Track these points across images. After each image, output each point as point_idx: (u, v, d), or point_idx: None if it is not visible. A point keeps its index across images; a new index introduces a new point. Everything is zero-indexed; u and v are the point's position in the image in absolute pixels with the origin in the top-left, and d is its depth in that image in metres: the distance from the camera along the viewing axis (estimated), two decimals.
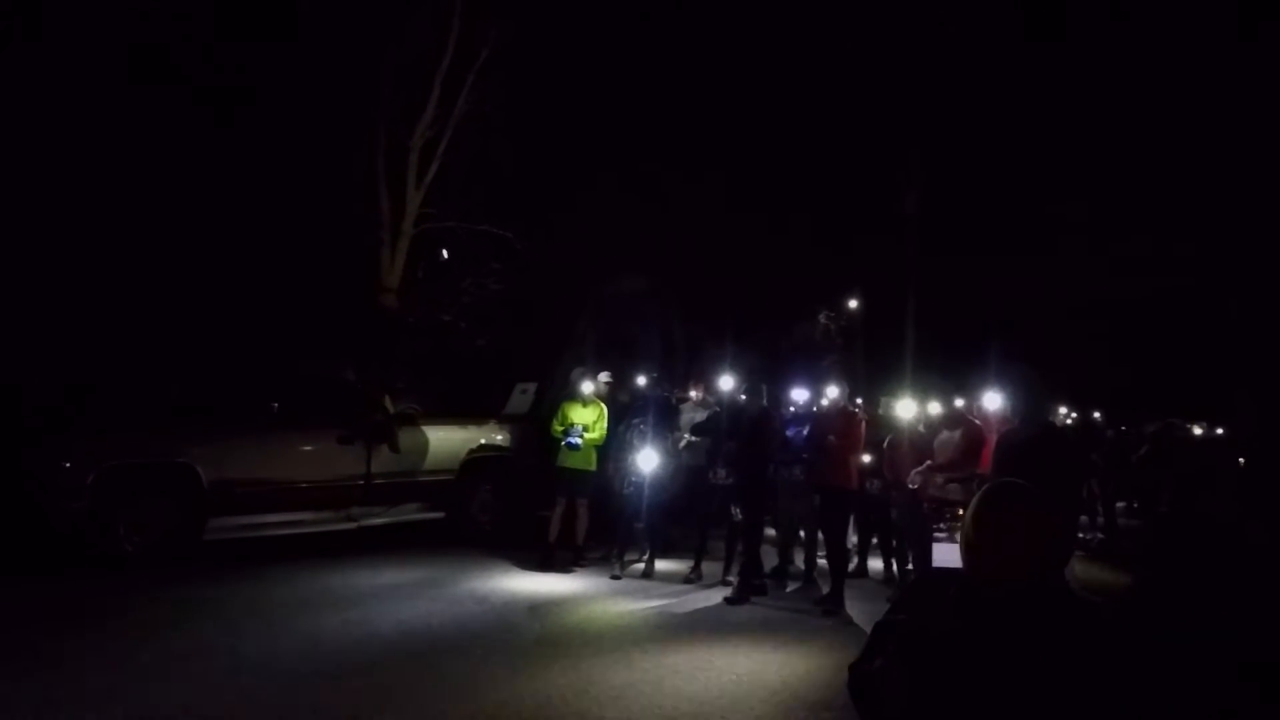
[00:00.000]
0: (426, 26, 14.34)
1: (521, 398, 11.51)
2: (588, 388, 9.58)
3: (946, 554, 4.04)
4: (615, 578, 8.89)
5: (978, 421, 8.49)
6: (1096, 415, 16.08)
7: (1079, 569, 9.87)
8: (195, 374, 10.03)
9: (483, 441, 10.94)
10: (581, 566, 9.28)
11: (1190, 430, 17.12)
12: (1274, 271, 22.67)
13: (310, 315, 13.02)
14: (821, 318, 26.27)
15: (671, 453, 9.52)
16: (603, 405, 9.59)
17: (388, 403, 9.86)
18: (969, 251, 23.97)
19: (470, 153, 15.04)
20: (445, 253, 16.15)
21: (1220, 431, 16.96)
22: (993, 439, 8.23)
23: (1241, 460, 14.90)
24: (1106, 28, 22.56)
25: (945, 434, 8.16)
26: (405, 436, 9.97)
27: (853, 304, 26.08)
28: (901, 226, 23.66)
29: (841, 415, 8.70)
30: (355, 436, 9.56)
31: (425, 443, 10.33)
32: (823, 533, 8.84)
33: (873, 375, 20.04)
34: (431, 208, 15.25)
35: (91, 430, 8.45)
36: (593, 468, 9.50)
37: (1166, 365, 24.20)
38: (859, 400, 10.09)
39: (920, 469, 8.06)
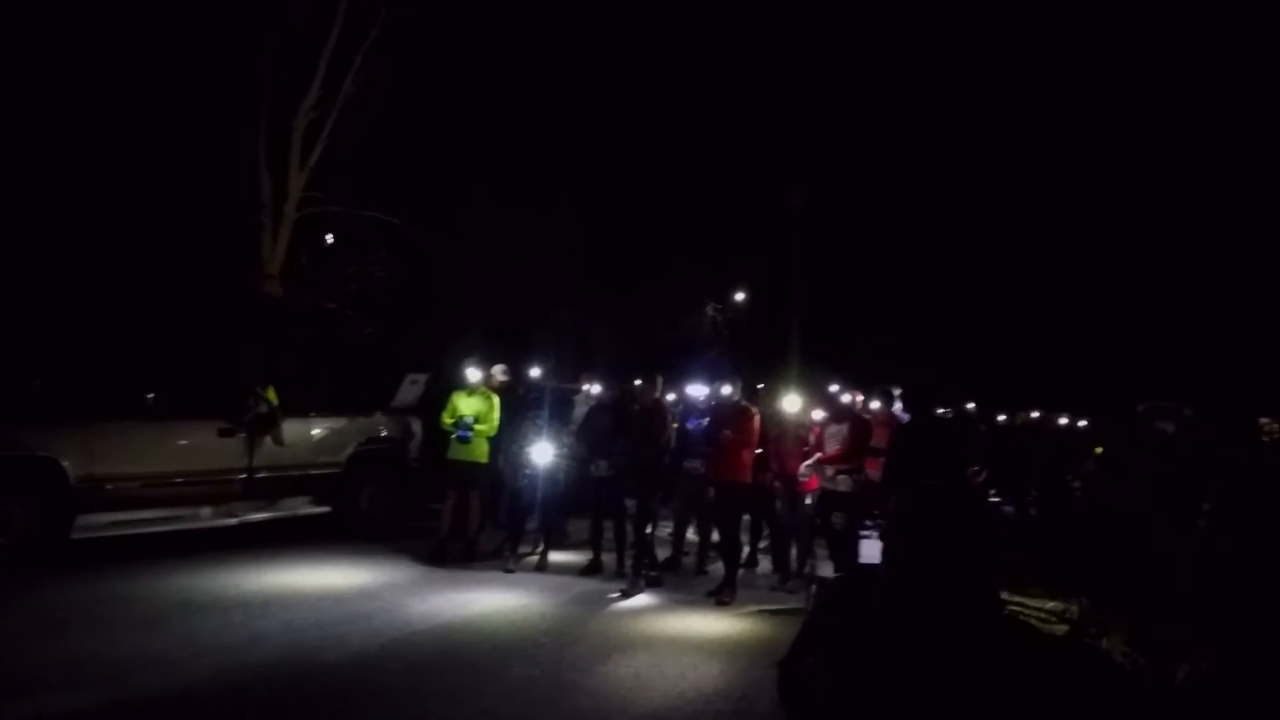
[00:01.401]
0: (313, 1, 13.86)
1: (411, 389, 11.24)
2: (477, 378, 9.43)
3: (872, 551, 4.11)
4: (509, 571, 8.80)
5: (865, 416, 8.79)
6: (971, 407, 16.79)
7: None
8: (61, 362, 9.41)
9: (371, 434, 10.65)
10: (474, 560, 9.16)
11: (1056, 422, 18.05)
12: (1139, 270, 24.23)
13: (188, 300, 12.41)
14: (709, 310, 26.63)
15: (566, 445, 9.50)
16: (493, 396, 9.44)
17: (271, 393, 9.47)
18: (853, 246, 24.65)
19: (356, 136, 14.65)
20: (330, 237, 15.69)
21: (1083, 423, 17.96)
22: (880, 433, 8.54)
23: (1099, 450, 15.75)
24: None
25: (834, 427, 8.44)
26: (290, 429, 9.62)
27: (739, 297, 26.51)
28: (787, 221, 24.18)
29: (737, 411, 8.83)
30: (237, 428, 9.17)
31: (311, 435, 10.00)
32: (717, 525, 8.97)
33: (758, 368, 20.41)
34: (316, 191, 14.79)
35: None
36: (484, 460, 9.36)
37: (1037, 358, 25.51)
38: (754, 393, 10.26)
39: (809, 462, 8.31)
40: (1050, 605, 7.18)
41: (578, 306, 21.34)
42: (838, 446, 8.23)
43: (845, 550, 7.74)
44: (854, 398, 9.98)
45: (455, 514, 9.27)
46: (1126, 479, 10.31)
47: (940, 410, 15.69)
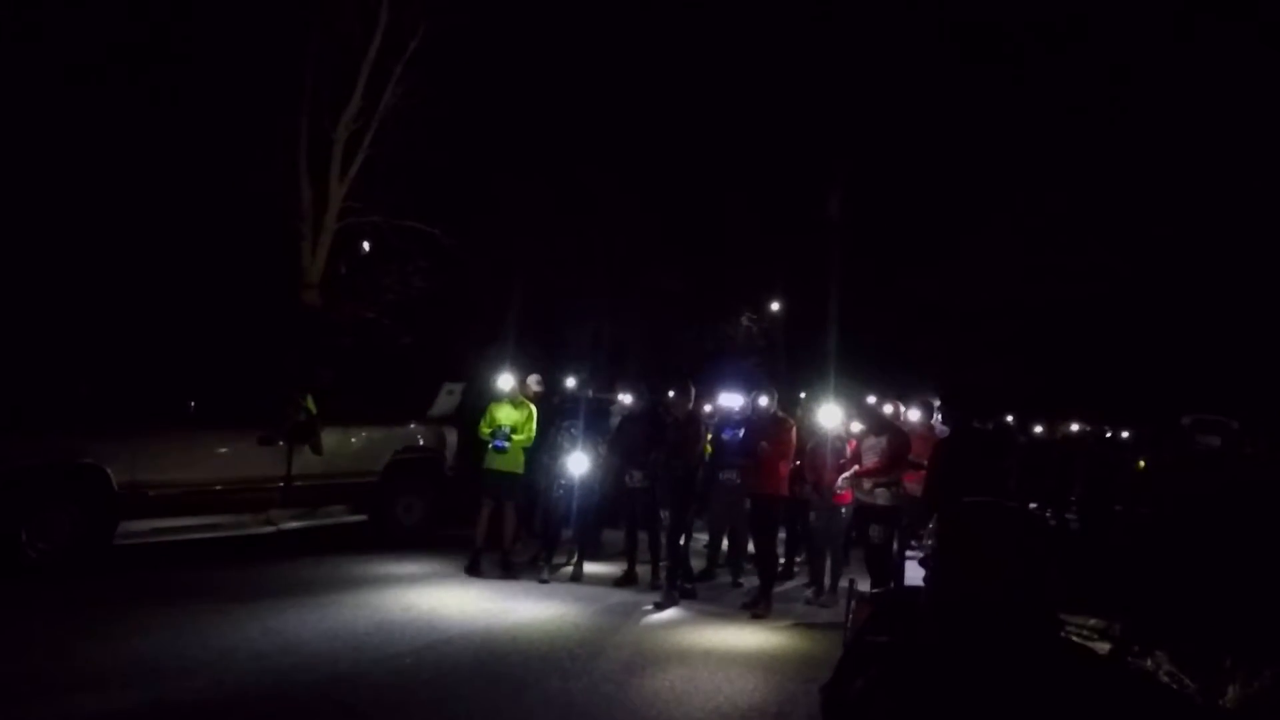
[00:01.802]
0: (353, 14, 14.04)
1: (448, 398, 11.31)
2: (514, 388, 9.42)
3: (918, 573, 4.04)
4: (543, 581, 8.80)
5: (903, 428, 8.69)
6: (1009, 419, 16.61)
7: None
8: (106, 370, 9.58)
9: (408, 443, 10.72)
10: (509, 570, 9.17)
11: (1100, 434, 17.79)
12: (1182, 280, 23.77)
13: (230, 310, 12.59)
14: (744, 319, 26.52)
15: (601, 455, 9.49)
16: (531, 406, 9.45)
17: (310, 402, 9.56)
18: (890, 256, 24.45)
19: (396, 147, 14.80)
20: (367, 245, 15.85)
21: (1125, 435, 17.66)
22: (918, 445, 8.44)
23: (1141, 463, 15.48)
24: (1030, 50, 23.22)
25: (872, 439, 8.29)
26: (329, 437, 9.70)
27: (775, 306, 26.38)
28: (824, 230, 24.06)
29: (774, 422, 8.77)
30: (276, 436, 9.27)
31: (349, 444, 10.09)
32: (752, 538, 8.91)
33: (794, 378, 20.29)
34: (355, 202, 14.95)
35: None
36: (520, 470, 9.36)
37: (1079, 370, 25.14)
38: (794, 404, 10.19)
39: (847, 475, 8.20)
40: (1092, 622, 7.06)
41: (614, 315, 21.38)
42: (875, 459, 8.10)
43: (882, 564, 7.66)
44: (894, 408, 9.88)
45: (491, 524, 9.30)
46: (1170, 495, 10.13)
47: (979, 423, 15.49)
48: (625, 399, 10.17)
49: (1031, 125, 23.65)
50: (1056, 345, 24.81)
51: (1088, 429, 18.12)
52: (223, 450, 8.96)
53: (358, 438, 10.22)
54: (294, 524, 9.48)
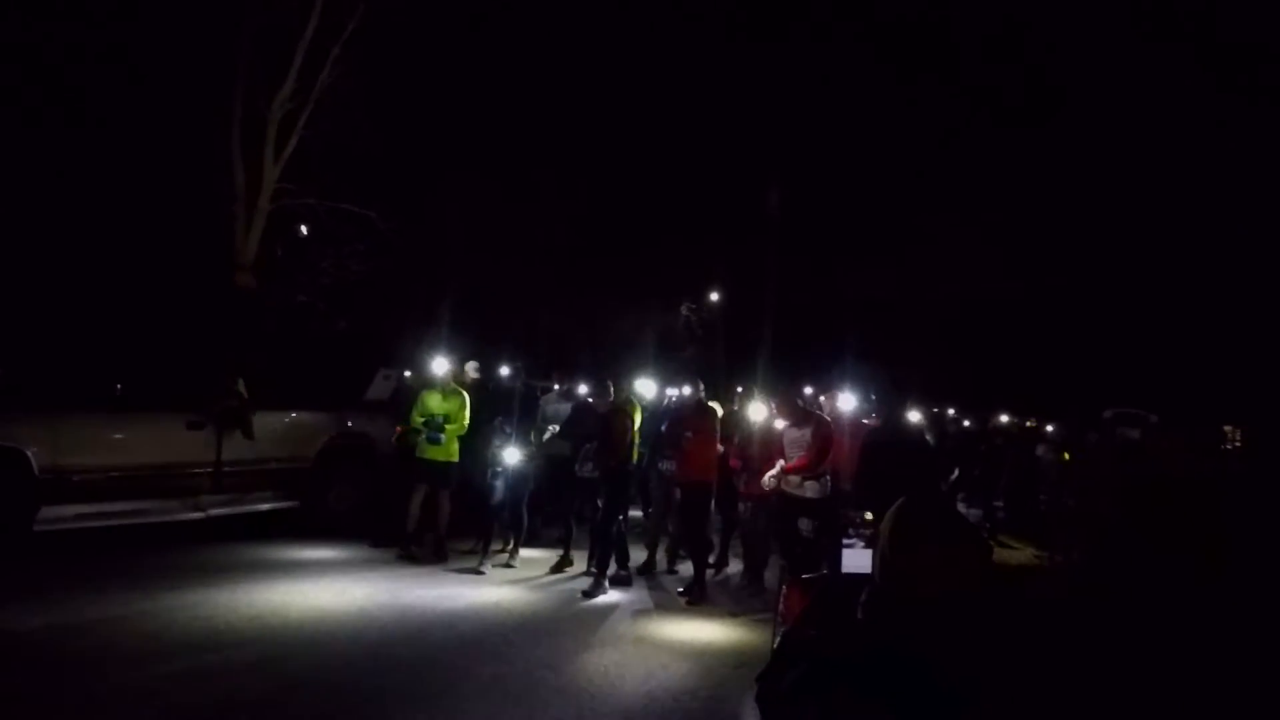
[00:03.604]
0: None
1: (384, 384, 11.19)
2: (446, 376, 9.35)
3: (856, 560, 4.13)
4: (479, 572, 8.76)
5: (827, 418, 8.67)
6: (951, 412, 16.98)
7: None
8: (27, 352, 9.26)
9: (342, 429, 10.59)
10: (445, 557, 9.12)
11: (1027, 427, 18.27)
12: (1107, 279, 24.54)
13: (159, 291, 12.27)
14: (683, 309, 26.66)
15: (533, 445, 9.48)
16: (464, 394, 9.39)
17: (241, 386, 9.38)
18: (827, 250, 24.79)
19: (332, 129, 14.54)
20: (304, 229, 15.58)
21: (1050, 429, 18.14)
22: (843, 438, 8.50)
23: (1066, 455, 15.93)
24: (967, 55, 23.68)
25: (795, 432, 8.11)
26: (260, 422, 9.54)
27: (714, 297, 26.56)
28: (762, 223, 24.29)
29: (697, 411, 8.84)
30: (205, 421, 9.09)
31: (281, 429, 9.93)
32: (683, 525, 9.00)
33: (732, 368, 20.49)
34: (290, 183, 14.66)
35: None
36: (455, 458, 9.31)
37: (1007, 363, 25.81)
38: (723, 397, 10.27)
39: (774, 472, 8.05)
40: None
41: (552, 303, 21.33)
42: (802, 454, 7.97)
43: (813, 557, 7.73)
44: (821, 398, 10.00)
45: (424, 510, 9.23)
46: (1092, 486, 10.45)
47: (911, 414, 15.79)
48: (560, 388, 10.16)
49: (968, 128, 24.16)
50: (985, 339, 25.43)
51: (1015, 421, 18.58)
52: (150, 434, 8.75)
53: (290, 423, 10.06)
54: (224, 510, 9.31)
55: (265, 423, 9.64)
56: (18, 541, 7.71)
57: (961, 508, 14.04)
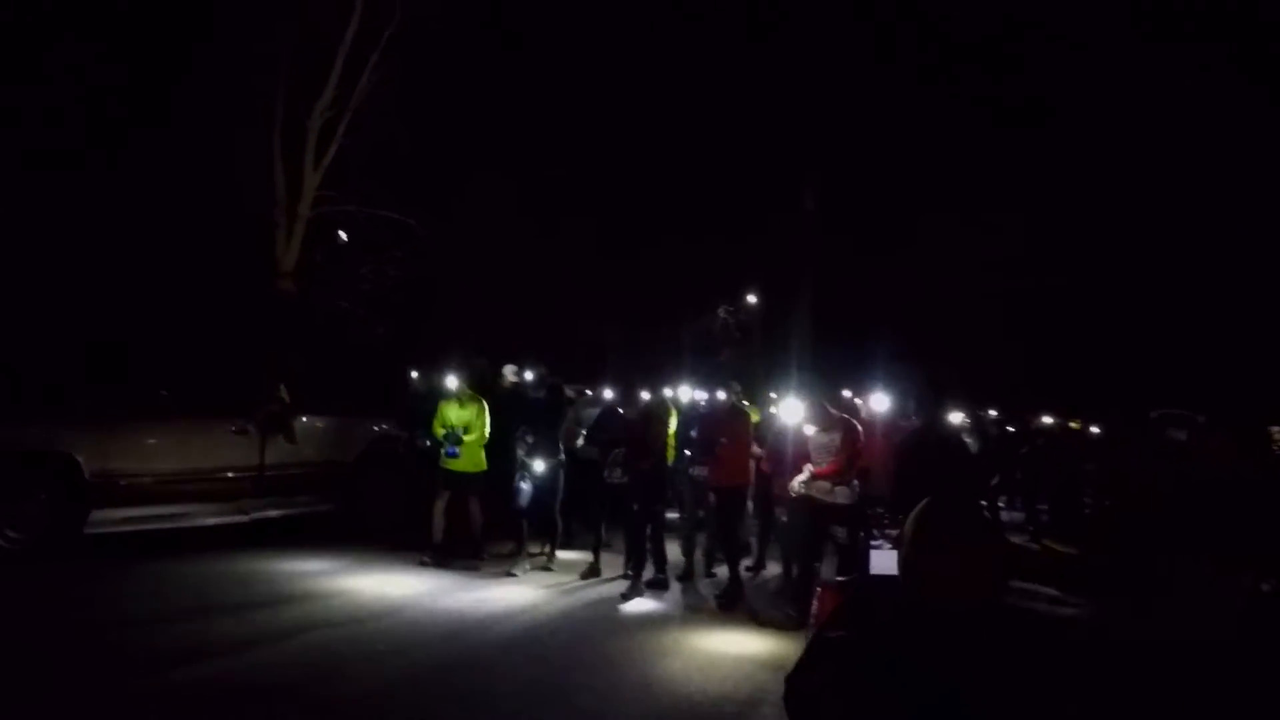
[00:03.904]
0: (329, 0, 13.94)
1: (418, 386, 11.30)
2: (460, 385, 9.11)
3: (883, 562, 4.10)
4: (512, 575, 8.75)
5: (855, 421, 8.41)
6: (993, 413, 16.82)
7: None
8: (78, 359, 9.48)
9: (381, 433, 10.71)
10: (480, 560, 9.12)
11: (1070, 428, 18.00)
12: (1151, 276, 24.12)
13: (204, 298, 12.48)
14: (720, 312, 26.60)
15: (560, 450, 9.30)
16: (481, 401, 9.14)
17: (284, 391, 9.52)
18: (864, 250, 24.61)
19: (371, 135, 14.71)
20: (344, 235, 15.77)
21: (1095, 430, 17.86)
22: (876, 438, 8.36)
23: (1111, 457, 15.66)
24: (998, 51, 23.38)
25: (824, 437, 7.73)
26: (301, 427, 9.68)
27: (751, 299, 26.48)
28: (800, 224, 24.16)
29: (729, 415, 8.77)
30: (249, 426, 9.24)
31: (322, 433, 10.06)
32: (719, 529, 8.94)
33: (770, 371, 20.38)
34: (330, 190, 14.86)
35: None
36: (481, 467, 9.07)
37: (1052, 362, 25.47)
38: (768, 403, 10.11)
39: (802, 478, 7.70)
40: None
41: (590, 307, 21.39)
42: (831, 460, 7.61)
43: (849, 562, 7.65)
44: (856, 400, 9.89)
45: (451, 516, 9.03)
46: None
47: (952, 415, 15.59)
48: (589, 392, 10.17)
49: (1004, 122, 23.88)
50: (1028, 338, 25.10)
51: (1059, 422, 18.33)
52: (195, 439, 8.91)
53: (330, 427, 10.19)
54: (267, 513, 9.45)
55: (306, 427, 9.79)
56: (70, 544, 7.91)
57: (1004, 511, 13.92)
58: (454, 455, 8.92)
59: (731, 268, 24.86)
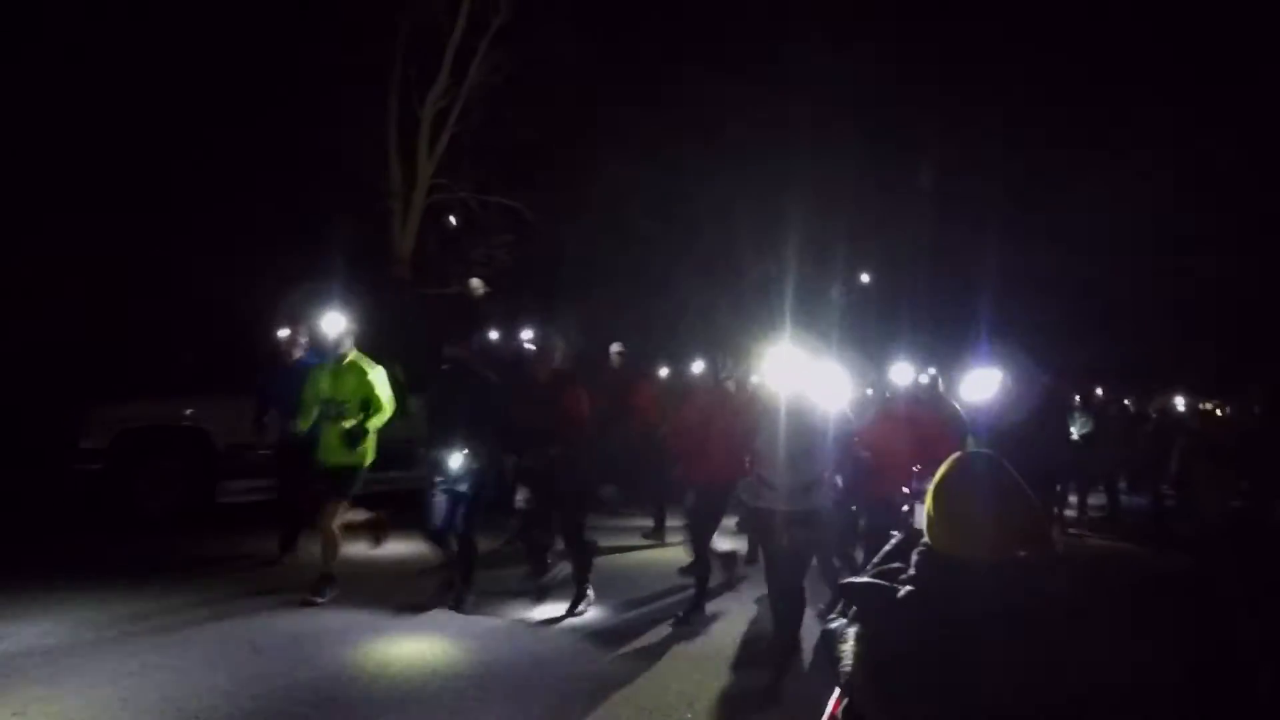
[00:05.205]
0: None
1: None
2: (336, 339, 6.83)
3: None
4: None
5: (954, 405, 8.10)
6: (1098, 392, 16.11)
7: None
8: (209, 340, 10.20)
9: None
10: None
11: (1195, 408, 17.07)
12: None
13: (326, 282, 13.13)
14: (834, 292, 26.19)
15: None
16: (375, 368, 7.00)
17: (399, 371, 9.92)
18: (983, 228, 23.86)
19: (481, 123, 15.09)
20: (453, 219, 16.23)
21: (1221, 412, 16.88)
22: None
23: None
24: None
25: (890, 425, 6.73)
26: (412, 405, 10.07)
27: (865, 278, 26.04)
28: (913, 202, 23.61)
29: (711, 395, 7.07)
30: None
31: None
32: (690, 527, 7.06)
33: (883, 352, 20.00)
34: (442, 178, 15.33)
35: (108, 395, 8.64)
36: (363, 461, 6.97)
37: (1177, 342, 24.20)
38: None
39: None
40: None
41: (699, 287, 21.37)
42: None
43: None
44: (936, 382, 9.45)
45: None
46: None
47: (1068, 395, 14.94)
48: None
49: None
50: (1158, 318, 23.90)
51: (1191, 403, 17.37)
52: None
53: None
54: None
55: (416, 406, 10.17)
56: (205, 511, 8.58)
57: (1125, 496, 13.28)
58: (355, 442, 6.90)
59: (848, 245, 24.34)
